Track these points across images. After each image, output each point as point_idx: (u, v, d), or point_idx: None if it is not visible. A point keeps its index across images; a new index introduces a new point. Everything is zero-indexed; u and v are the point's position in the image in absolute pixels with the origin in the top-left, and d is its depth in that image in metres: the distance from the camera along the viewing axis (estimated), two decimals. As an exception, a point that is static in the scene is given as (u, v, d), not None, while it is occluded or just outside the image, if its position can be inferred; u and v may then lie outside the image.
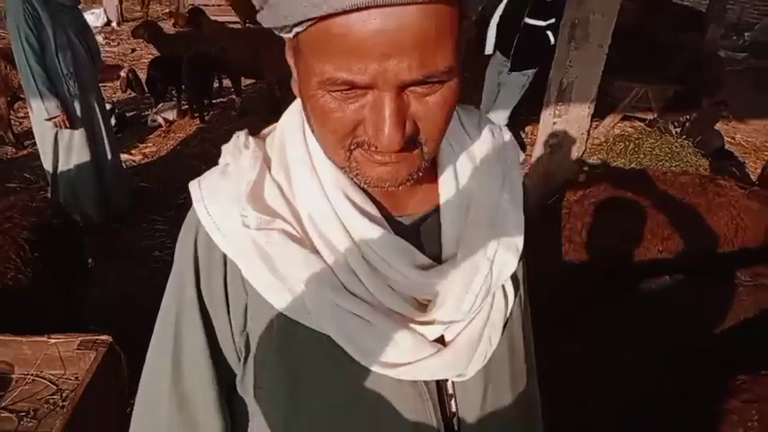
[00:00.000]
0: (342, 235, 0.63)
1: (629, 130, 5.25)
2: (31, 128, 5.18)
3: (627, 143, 4.89)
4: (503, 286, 0.71)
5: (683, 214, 2.12)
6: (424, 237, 0.68)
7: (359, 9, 0.47)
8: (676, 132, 5.02)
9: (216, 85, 6.15)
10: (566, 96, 4.10)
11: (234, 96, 6.10)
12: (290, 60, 0.60)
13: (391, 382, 0.65)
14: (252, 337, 0.68)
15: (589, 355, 1.72)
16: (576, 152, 4.41)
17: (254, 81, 6.38)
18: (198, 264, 0.67)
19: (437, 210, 0.69)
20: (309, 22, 0.50)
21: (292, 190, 0.65)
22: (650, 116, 5.17)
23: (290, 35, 0.55)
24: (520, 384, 0.78)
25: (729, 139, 5.50)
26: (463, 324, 0.66)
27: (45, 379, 1.79)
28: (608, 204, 2.11)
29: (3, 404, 1.68)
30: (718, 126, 5.24)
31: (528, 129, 5.34)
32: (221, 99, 6.29)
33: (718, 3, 10.28)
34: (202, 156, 4.90)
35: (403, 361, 0.64)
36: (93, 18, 9.27)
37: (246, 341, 0.68)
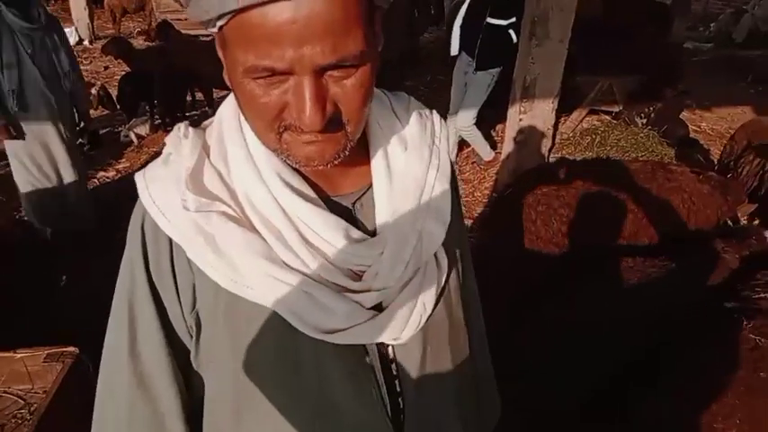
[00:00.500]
0: (279, 215, 0.67)
1: (596, 123, 5.34)
2: (1, 149, 5.20)
3: (594, 136, 4.98)
4: (436, 256, 0.76)
5: (634, 200, 2.19)
6: (359, 213, 0.74)
7: (272, 1, 0.52)
8: (642, 123, 5.11)
9: (188, 98, 6.15)
10: (530, 93, 4.19)
11: (207, 109, 6.12)
12: (220, 53, 0.64)
13: (332, 348, 0.70)
14: (201, 315, 0.72)
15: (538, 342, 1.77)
16: (543, 147, 4.50)
17: (226, 93, 6.38)
18: (146, 248, 0.71)
19: (370, 188, 0.74)
20: (229, 16, 0.55)
21: (230, 174, 0.70)
22: (616, 109, 5.26)
23: (215, 29, 0.59)
24: (460, 351, 0.84)
25: (695, 128, 5.61)
26: (396, 291, 0.71)
27: (12, 394, 1.79)
28: (559, 194, 2.17)
29: (-30, 421, 1.69)
30: (684, 115, 5.35)
31: (498, 127, 5.41)
32: (194, 112, 6.29)
33: (682, -5, 10.46)
34: (176, 169, 4.91)
35: (341, 327, 0.68)
36: (64, 37, 9.24)
37: (197, 319, 0.72)
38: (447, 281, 0.79)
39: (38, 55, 3.27)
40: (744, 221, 2.89)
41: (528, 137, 4.30)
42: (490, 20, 4.33)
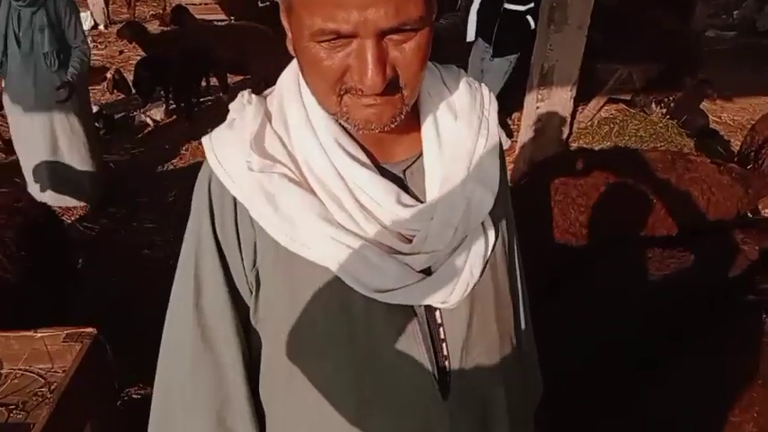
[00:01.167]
0: (335, 178, 0.71)
1: (615, 112, 5.27)
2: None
3: (612, 125, 4.93)
4: (483, 225, 0.79)
5: (653, 190, 2.16)
6: (409, 180, 0.77)
7: None
8: (661, 113, 5.04)
9: (203, 83, 6.16)
10: (548, 80, 4.13)
11: (221, 94, 6.13)
12: (285, 22, 0.68)
13: (382, 306, 0.73)
14: (261, 272, 0.76)
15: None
16: (561, 136, 4.45)
17: (240, 79, 6.39)
18: (212, 207, 0.76)
19: (421, 155, 0.76)
20: None
21: (290, 140, 0.73)
22: (635, 98, 5.19)
23: None
24: (505, 321, 0.86)
25: (716, 119, 5.52)
26: (445, 255, 0.74)
27: (33, 373, 1.83)
28: (577, 183, 2.15)
29: (-8, 399, 1.73)
30: (704, 105, 5.26)
31: (514, 115, 5.36)
32: (208, 97, 6.30)
33: (704, -18, 10.24)
34: (190, 154, 4.93)
35: (391, 287, 0.72)
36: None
37: (257, 276, 0.76)
38: (493, 250, 0.81)
39: (23, 32, 3.40)
40: (765, 213, 2.84)
41: (545, 125, 4.25)
42: (507, 5, 4.28)
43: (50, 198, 3.65)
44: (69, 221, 3.81)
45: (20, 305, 2.20)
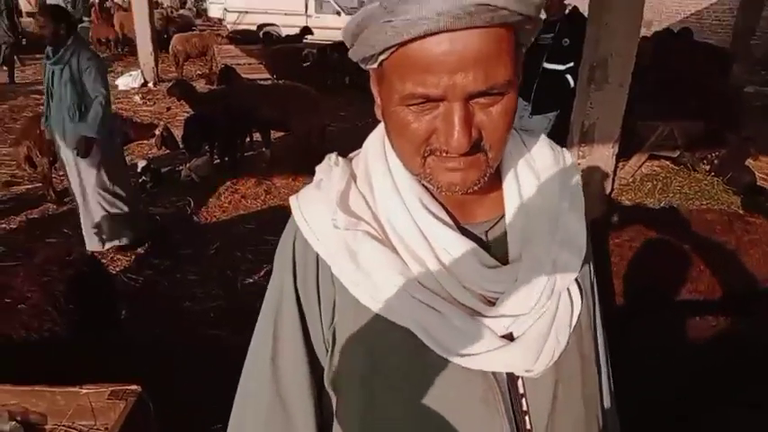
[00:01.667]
0: (418, 237, 0.71)
1: (657, 169, 5.20)
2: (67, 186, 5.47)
3: (655, 182, 4.86)
4: (569, 289, 0.76)
5: (712, 253, 2.08)
6: (491, 241, 0.76)
7: (432, 34, 0.58)
8: (705, 170, 4.94)
9: (246, 139, 6.35)
10: (588, 137, 4.13)
11: (263, 149, 6.30)
12: (375, 89, 0.72)
13: (462, 371, 0.71)
14: (338, 330, 0.76)
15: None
16: (603, 192, 4.39)
17: (282, 134, 6.57)
18: (296, 264, 0.78)
19: (503, 217, 0.76)
20: (392, 49, 0.62)
21: (375, 199, 0.75)
22: (677, 154, 5.11)
23: (375, 65, 0.67)
24: (591, 394, 0.81)
25: (762, 175, 5.37)
26: (530, 320, 0.72)
27: (76, 430, 1.82)
28: (633, 243, 2.09)
29: (35, 455, 1.72)
30: (749, 162, 5.14)
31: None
32: (251, 152, 6.49)
33: (742, 39, 10.25)
34: (234, 208, 5.03)
35: (473, 351, 0.70)
36: (131, 79, 9.77)
37: (333, 334, 0.76)
38: (579, 316, 0.78)
39: (55, 87, 3.73)
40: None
41: (587, 181, 4.20)
42: (547, 65, 4.33)
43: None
44: (114, 272, 3.88)
45: (65, 357, 2.22)
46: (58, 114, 3.77)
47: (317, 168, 0.80)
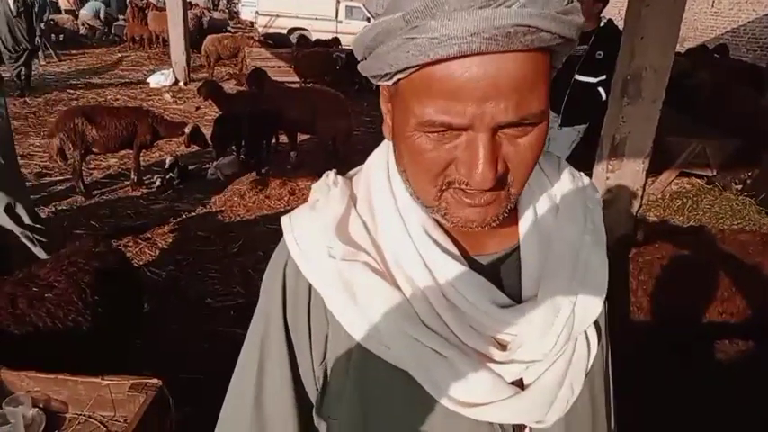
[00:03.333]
0: (422, 271, 0.64)
1: (687, 186, 5.10)
2: (98, 179, 5.57)
3: (684, 200, 4.76)
4: (585, 332, 0.70)
5: (745, 274, 2.02)
6: (503, 275, 0.69)
7: (462, 56, 0.50)
8: (737, 190, 4.83)
9: (273, 140, 6.41)
10: (619, 152, 4.05)
11: (290, 151, 6.34)
12: (384, 106, 0.64)
13: (467, 422, 0.65)
14: (330, 368, 0.70)
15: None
16: (631, 208, 4.31)
17: (308, 137, 6.61)
18: (285, 292, 0.70)
19: (516, 249, 0.69)
20: (412, 69, 0.54)
21: (376, 226, 0.68)
22: (709, 173, 5.00)
23: (390, 82, 0.59)
24: None
25: (797, 198, 5.24)
26: (543, 367, 0.65)
27: (96, 420, 1.83)
28: (663, 262, 2.04)
29: (56, 443, 1.73)
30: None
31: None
32: (277, 153, 6.54)
33: (778, 58, 9.99)
34: (258, 208, 5.07)
35: (479, 401, 0.63)
36: (163, 78, 9.95)
37: (325, 371, 0.70)
38: (593, 361, 0.71)
39: None
40: None
41: (615, 197, 4.13)
42: (579, 77, 4.28)
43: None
44: (138, 265, 3.93)
45: (88, 347, 2.24)
46: None
47: (314, 187, 0.73)
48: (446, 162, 0.56)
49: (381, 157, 0.72)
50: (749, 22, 13.44)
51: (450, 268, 0.64)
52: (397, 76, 0.56)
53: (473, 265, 0.67)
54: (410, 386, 0.65)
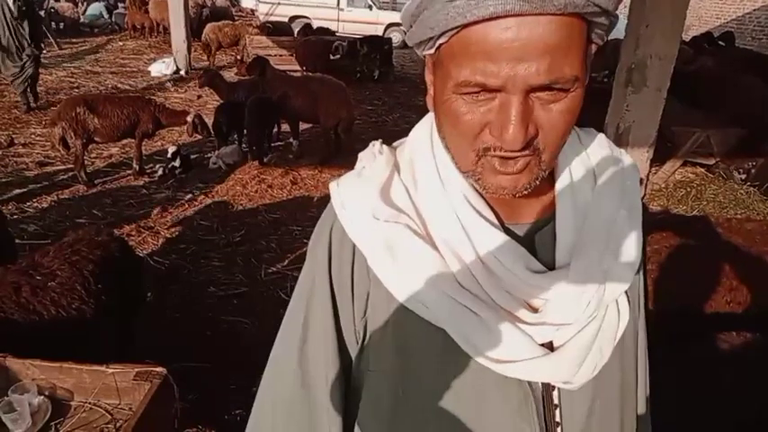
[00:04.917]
0: (461, 235, 0.67)
1: (691, 176, 5.08)
2: (100, 168, 5.56)
3: (688, 189, 4.75)
4: (617, 301, 0.72)
5: (752, 263, 2.01)
6: (538, 244, 0.71)
7: (497, 17, 0.53)
8: (741, 179, 4.81)
9: (275, 129, 6.38)
10: (623, 140, 4.04)
11: (291, 140, 6.32)
12: (429, 77, 0.67)
13: (497, 378, 0.68)
14: (370, 324, 0.73)
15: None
16: (633, 198, 4.30)
17: (310, 126, 6.58)
18: (331, 251, 0.74)
19: (552, 219, 0.71)
20: (452, 32, 0.57)
21: (417, 192, 0.72)
22: (712, 162, 4.98)
23: (432, 50, 0.63)
24: (629, 408, 0.78)
25: (801, 187, 5.22)
26: (573, 330, 0.68)
27: (101, 408, 1.83)
28: (669, 252, 2.03)
29: (61, 431, 1.73)
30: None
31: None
32: (279, 143, 6.52)
33: (784, 47, 9.91)
34: (260, 197, 5.06)
35: (510, 358, 0.66)
36: (164, 66, 9.89)
37: (365, 326, 0.74)
38: (625, 330, 0.73)
39: None
40: None
41: (618, 186, 4.12)
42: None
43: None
44: (141, 254, 3.93)
45: (92, 335, 2.25)
46: None
47: (360, 155, 0.77)
48: (480, 125, 0.59)
49: (425, 129, 0.75)
50: (755, 10, 13.32)
51: (487, 234, 0.67)
52: (439, 41, 0.59)
53: (509, 232, 0.70)
54: (445, 342, 0.68)
